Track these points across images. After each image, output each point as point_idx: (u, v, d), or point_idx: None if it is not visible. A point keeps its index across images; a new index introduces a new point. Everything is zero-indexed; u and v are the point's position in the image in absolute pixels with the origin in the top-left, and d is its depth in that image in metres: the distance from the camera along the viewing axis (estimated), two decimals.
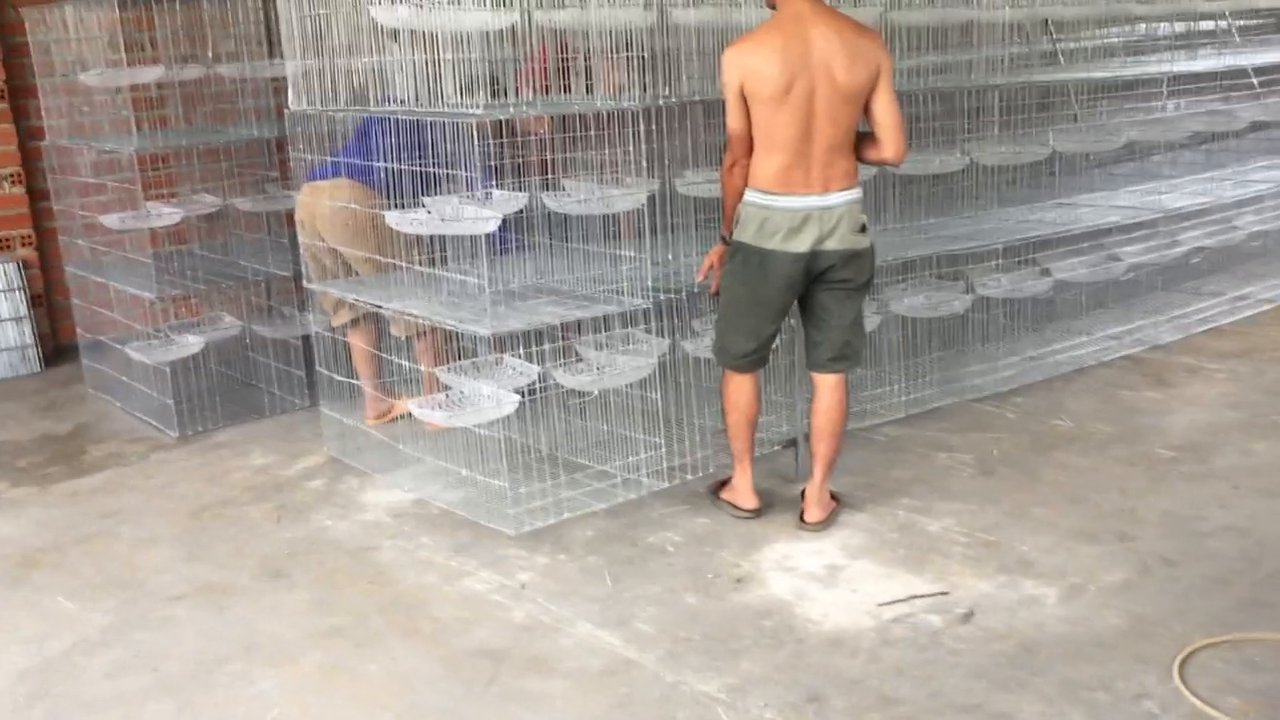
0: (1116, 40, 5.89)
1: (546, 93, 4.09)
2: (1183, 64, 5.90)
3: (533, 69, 4.02)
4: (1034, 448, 4.54)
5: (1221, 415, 4.83)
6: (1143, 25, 6.02)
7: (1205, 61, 6.09)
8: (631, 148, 3.85)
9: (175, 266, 5.36)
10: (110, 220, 5.07)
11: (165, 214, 5.11)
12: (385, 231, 4.03)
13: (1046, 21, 5.46)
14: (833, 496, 3.99)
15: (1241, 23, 6.72)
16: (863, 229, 3.71)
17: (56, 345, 6.38)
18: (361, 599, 3.55)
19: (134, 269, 5.22)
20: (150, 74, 5.07)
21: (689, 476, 4.27)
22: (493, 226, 3.59)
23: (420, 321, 3.99)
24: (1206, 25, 6.59)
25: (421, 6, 3.49)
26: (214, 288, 5.34)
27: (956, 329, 5.17)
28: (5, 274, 6.06)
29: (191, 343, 5.12)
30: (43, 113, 5.62)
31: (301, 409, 5.19)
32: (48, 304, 6.37)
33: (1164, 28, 6.05)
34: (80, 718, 2.98)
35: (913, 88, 4.68)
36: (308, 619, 3.44)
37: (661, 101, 4.01)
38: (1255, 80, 6.69)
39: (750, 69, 3.51)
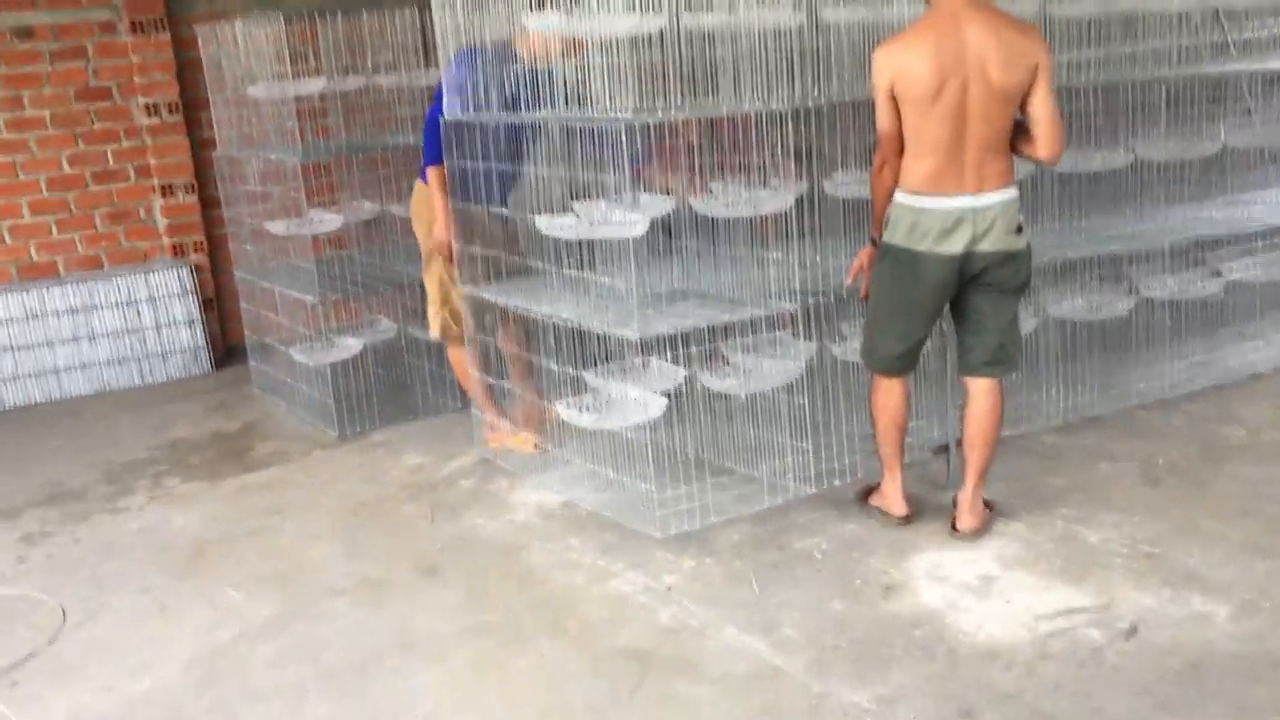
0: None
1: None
2: None
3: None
4: (1203, 457, 4.34)
5: None
6: None
7: None
8: (779, 149, 3.81)
9: (336, 271, 5.55)
10: (276, 227, 5.28)
11: (327, 220, 5.30)
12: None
13: (1218, 11, 5.20)
14: (986, 505, 3.88)
15: None
16: (1019, 229, 3.60)
17: (226, 347, 6.68)
18: (511, 597, 3.61)
19: (297, 274, 5.42)
20: (314, 86, 5.26)
21: (837, 482, 4.21)
22: (641, 230, 3.61)
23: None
24: None
25: (572, 13, 3.53)
26: (372, 292, 5.50)
27: (1119, 332, 4.96)
28: (179, 278, 6.37)
29: (351, 345, 5.29)
30: (214, 124, 5.87)
31: (454, 410, 5.30)
32: (218, 307, 6.67)
33: None
34: (246, 705, 3.11)
35: (1074, 82, 4.52)
36: (460, 616, 3.51)
37: (811, 102, 3.96)
38: None
39: (901, 69, 3.44)
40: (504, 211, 4.16)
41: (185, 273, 6.39)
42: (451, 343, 4.71)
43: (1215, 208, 5.25)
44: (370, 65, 5.57)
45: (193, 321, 6.41)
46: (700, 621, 3.38)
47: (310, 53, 5.49)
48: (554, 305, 3.88)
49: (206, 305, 6.54)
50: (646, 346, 3.78)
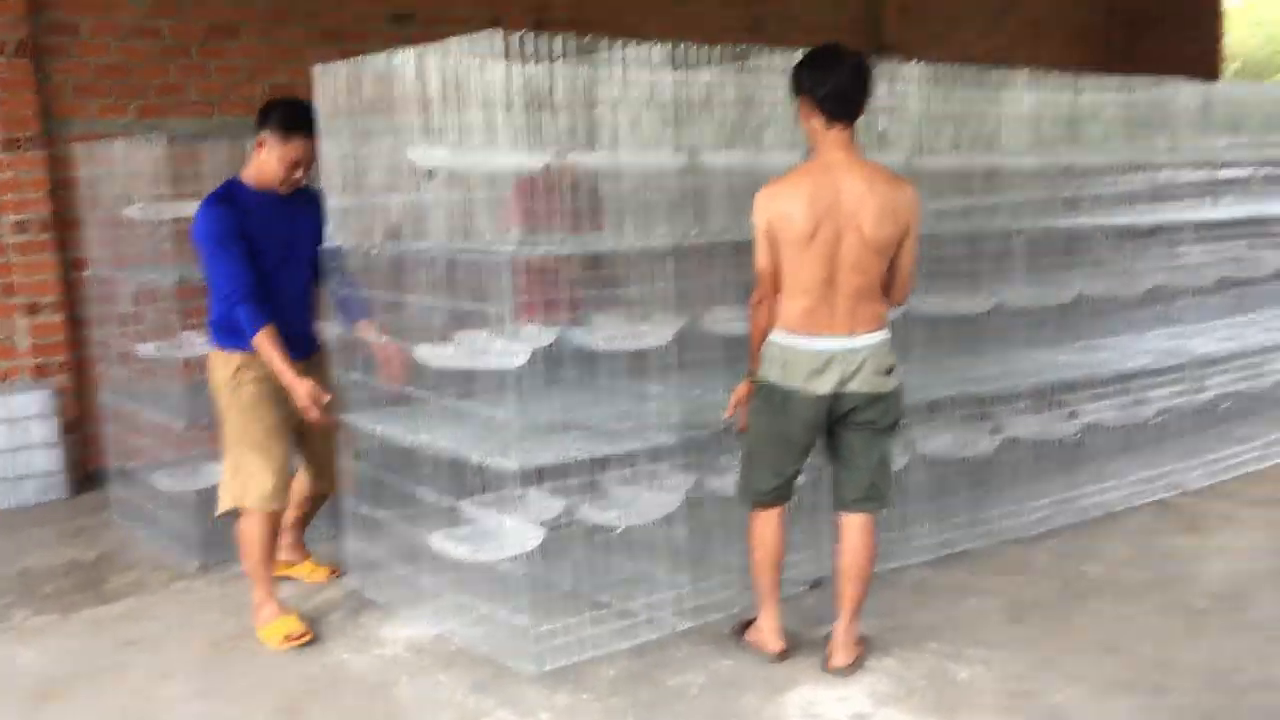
0: (1141, 187, 5.96)
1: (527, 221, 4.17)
2: (1207, 211, 5.96)
3: (521, 195, 4.11)
4: (1065, 594, 4.46)
5: (1256, 563, 4.73)
6: (1164, 173, 6.10)
7: (1229, 209, 6.16)
8: (660, 285, 3.89)
9: (205, 396, 5.41)
10: (146, 349, 5.16)
11: (200, 344, 5.19)
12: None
13: (1067, 168, 5.54)
14: (860, 640, 3.91)
15: (1265, 171, 6.79)
16: (889, 371, 3.72)
17: (86, 472, 6.42)
18: None
19: (166, 397, 5.28)
20: (192, 207, 5.18)
21: (714, 617, 4.20)
22: (522, 360, 3.62)
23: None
24: (1228, 173, 6.67)
25: (458, 148, 3.59)
26: None
27: (985, 470, 5.12)
28: (40, 400, 6.13)
29: (217, 471, 5.12)
30: (86, 244, 5.75)
31: (324, 540, 5.16)
32: (80, 431, 6.43)
33: (1188, 175, 6.13)
34: None
35: (940, 230, 4.73)
36: None
37: (690, 240, 4.07)
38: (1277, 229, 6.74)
39: (778, 211, 3.57)
40: (385, 339, 4.12)
41: (47, 395, 6.16)
42: (250, 513, 4.19)
43: (1072, 352, 5.51)
44: None
45: (52, 445, 6.16)
46: None
47: (192, 174, 5.46)
48: (432, 434, 3.84)
49: (68, 428, 6.30)
50: (526, 477, 3.76)
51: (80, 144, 5.76)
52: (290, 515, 4.59)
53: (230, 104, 6.90)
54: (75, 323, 6.39)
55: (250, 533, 4.19)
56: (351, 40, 7.15)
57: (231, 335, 4.14)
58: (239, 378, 4.15)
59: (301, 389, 4.03)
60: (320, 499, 4.69)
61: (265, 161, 4.12)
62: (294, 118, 4.04)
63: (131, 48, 6.55)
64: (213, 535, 5.05)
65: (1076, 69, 5.28)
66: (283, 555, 4.66)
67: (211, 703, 3.75)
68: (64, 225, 6.34)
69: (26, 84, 6.16)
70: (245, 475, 4.16)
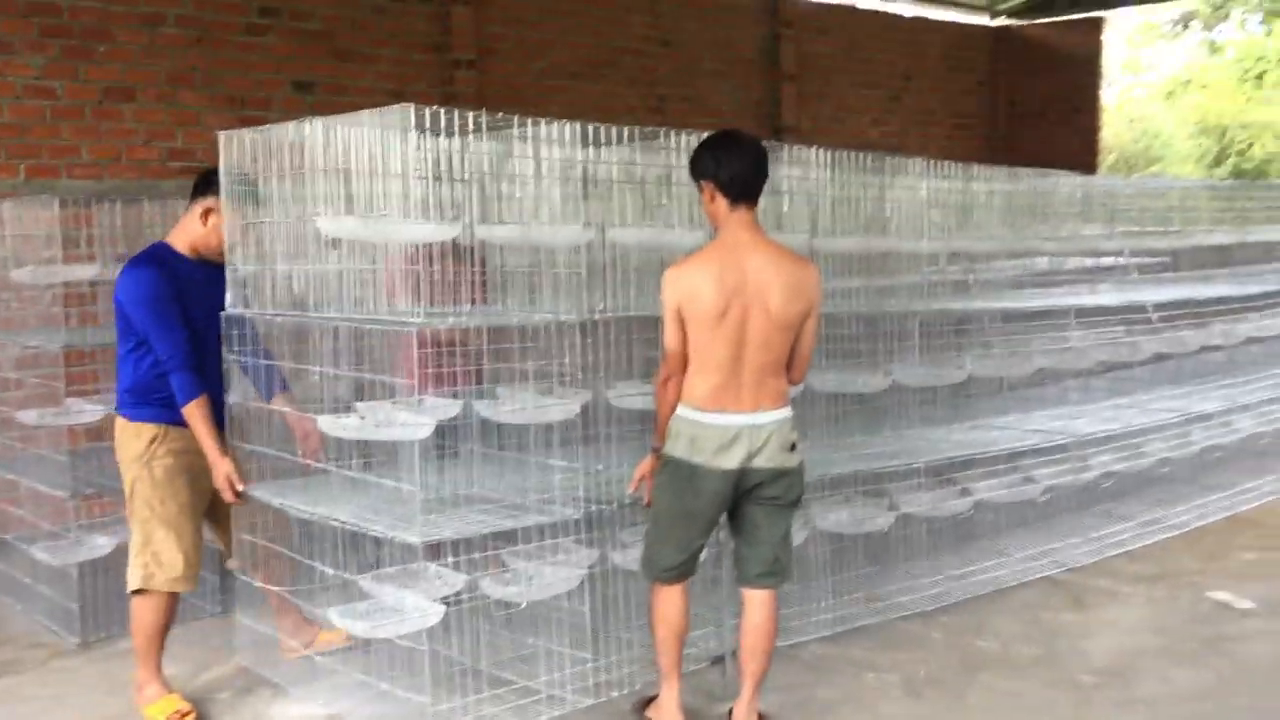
0: (1027, 273, 6.21)
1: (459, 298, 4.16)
2: (1087, 297, 6.22)
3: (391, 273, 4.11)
4: (960, 668, 4.53)
5: (1140, 640, 4.87)
6: (1047, 260, 6.36)
7: (1108, 296, 6.43)
8: (567, 359, 3.91)
9: (92, 464, 5.24)
10: (28, 416, 4.98)
11: (87, 410, 5.03)
12: None
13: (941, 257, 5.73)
14: (761, 716, 3.91)
15: (1138, 260, 7.12)
16: (793, 447, 3.78)
17: None
18: None
19: (47, 465, 5.09)
20: (86, 271, 5.07)
21: (615, 694, 4.17)
22: (426, 432, 3.59)
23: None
24: (1107, 261, 6.98)
25: (367, 218, 3.58)
26: None
27: (880, 546, 5.20)
28: None
29: (101, 544, 4.95)
30: None
31: (212, 615, 5.01)
32: None
33: (1070, 262, 6.40)
34: None
35: (839, 310, 4.85)
36: None
37: (597, 315, 4.10)
38: (1153, 315, 7.05)
39: (687, 291, 3.63)
40: (283, 409, 4.05)
41: None
42: (152, 593, 4.06)
43: (963, 431, 5.66)
44: None
45: None
46: None
47: (84, 237, 5.33)
48: (332, 506, 3.76)
49: None
50: (428, 551, 3.70)
51: None
52: (274, 600, 4.34)
53: (123, 167, 6.78)
54: None
55: (145, 613, 4.05)
56: (253, 106, 7.13)
57: (146, 406, 4.01)
58: (152, 451, 4.01)
59: (222, 469, 3.94)
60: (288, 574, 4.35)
61: (211, 229, 4.03)
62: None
63: (23, 107, 6.41)
64: (94, 610, 4.86)
65: (963, 157, 5.51)
66: (294, 637, 4.40)
67: None
68: None
69: None
70: (154, 554, 4.02)
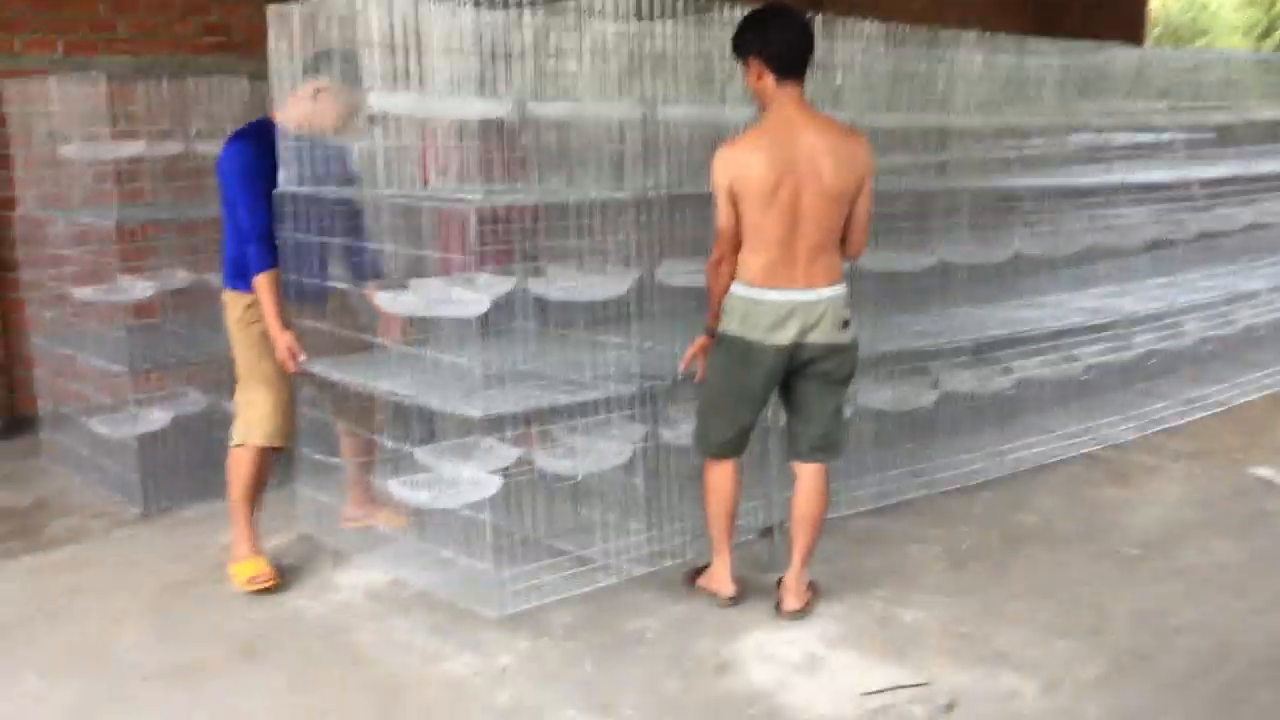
0: (1077, 149, 6.11)
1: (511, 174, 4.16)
2: (1138, 174, 6.14)
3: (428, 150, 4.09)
4: (1002, 542, 4.61)
5: (1182, 514, 4.94)
6: (1096, 135, 6.25)
7: (1156, 172, 6.34)
8: (620, 236, 3.92)
9: (144, 340, 5.32)
10: (83, 292, 5.04)
11: (139, 287, 5.10)
12: None
13: (1005, 129, 5.65)
14: (810, 586, 4.02)
15: (1186, 136, 6.99)
16: (845, 324, 3.80)
17: (13, 417, 6.27)
18: (340, 681, 3.51)
19: (104, 342, 5.17)
20: (132, 148, 5.09)
21: (667, 563, 4.28)
22: (484, 308, 3.62)
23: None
24: (1154, 138, 6.85)
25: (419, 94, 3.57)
26: (183, 363, 5.28)
27: (925, 423, 5.25)
28: None
29: (158, 417, 5.07)
30: (15, 184, 5.58)
31: (270, 487, 5.11)
32: (8, 375, 6.27)
33: (1119, 138, 6.28)
34: None
35: (887, 188, 4.81)
36: (286, 700, 3.39)
37: (656, 193, 4.09)
38: (1198, 191, 6.95)
39: (740, 170, 3.62)
40: (343, 286, 4.08)
41: None
42: (247, 446, 4.21)
43: (1007, 309, 5.65)
44: (192, 131, 5.45)
45: None
46: (537, 703, 3.36)
47: (125, 114, 5.33)
48: (392, 381, 3.83)
49: None
50: (485, 425, 3.77)
51: (10, 80, 5.56)
52: (350, 474, 4.52)
53: (160, 43, 6.70)
54: (1, 264, 6.21)
55: (239, 465, 4.21)
56: None
57: (244, 278, 4.09)
58: (249, 315, 4.12)
59: (282, 341, 4.01)
60: (370, 449, 4.46)
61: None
62: (357, 69, 3.90)
63: None
64: (154, 482, 5.00)
65: (1003, 30, 5.36)
66: (357, 509, 4.58)
67: (168, 646, 3.73)
68: None
69: None
70: (250, 410, 4.17)
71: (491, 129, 3.99)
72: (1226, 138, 7.31)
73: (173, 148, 5.42)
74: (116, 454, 5.07)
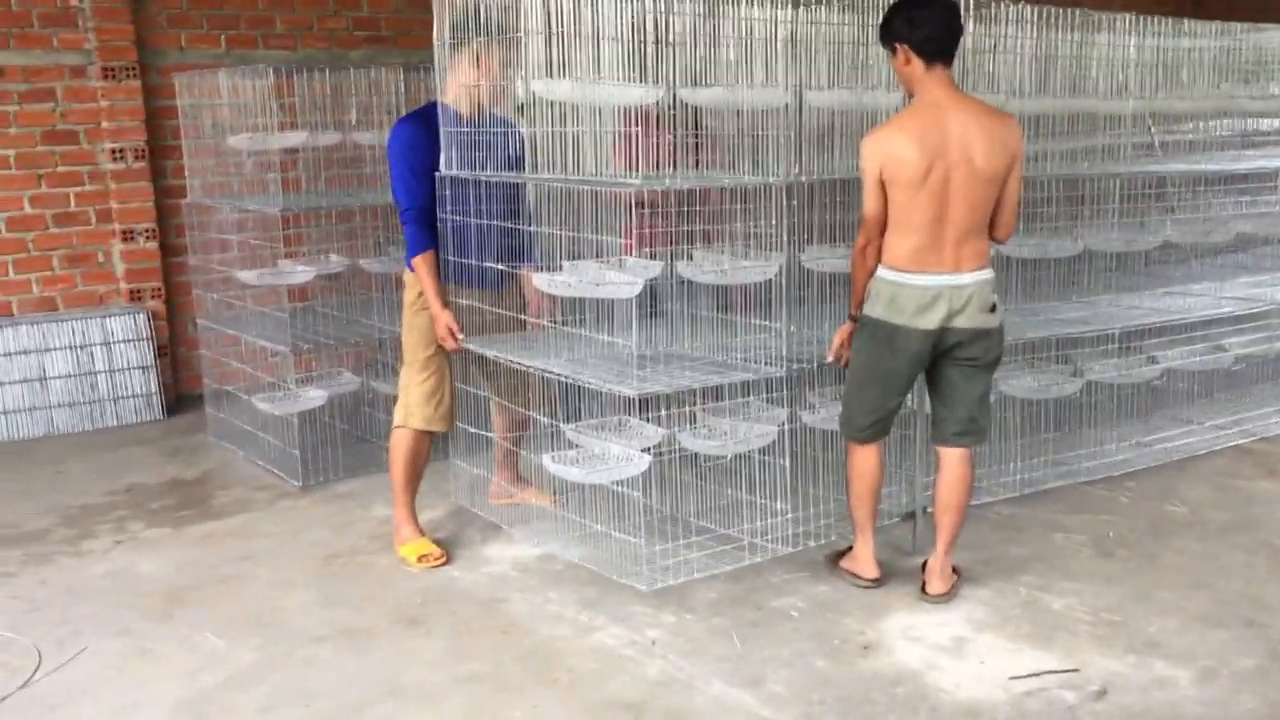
0: (1231, 133, 5.96)
1: (658, 163, 4.24)
2: None
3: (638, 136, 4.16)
4: (1150, 532, 4.55)
5: None
6: (1252, 121, 6.08)
7: None
8: (772, 221, 3.98)
9: (301, 322, 5.58)
10: (248, 276, 5.30)
11: (300, 272, 5.34)
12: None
13: (1148, 117, 5.55)
14: (954, 570, 4.03)
15: None
16: (993, 309, 3.80)
17: (178, 394, 6.62)
18: (497, 648, 3.65)
19: (267, 323, 5.44)
20: (294, 139, 5.33)
21: (811, 544, 4.34)
22: (637, 290, 3.72)
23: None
24: None
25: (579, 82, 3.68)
26: (342, 344, 5.51)
27: (1068, 411, 5.20)
28: (135, 324, 6.32)
29: (315, 396, 5.31)
30: (185, 172, 5.89)
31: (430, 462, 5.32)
32: (172, 355, 6.62)
33: (1275, 123, 6.10)
34: None
35: (1034, 173, 4.78)
36: (447, 665, 3.54)
37: (803, 179, 4.14)
38: None
39: (890, 155, 3.65)
40: (501, 268, 4.22)
41: (141, 319, 6.35)
42: (407, 429, 4.36)
43: (1155, 297, 5.55)
44: (349, 121, 5.68)
45: (147, 368, 6.35)
46: (687, 675, 3.45)
47: (285, 106, 5.57)
48: (547, 360, 3.96)
49: (160, 352, 6.49)
50: (636, 405, 3.88)
51: (180, 74, 5.86)
52: (498, 452, 4.70)
53: (315, 37, 6.99)
54: (167, 249, 6.55)
55: (398, 447, 4.37)
56: None
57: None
58: (421, 301, 4.27)
59: (441, 319, 4.17)
60: (521, 427, 4.64)
61: (483, 71, 4.04)
62: (505, 25, 3.93)
63: None
64: (312, 457, 5.24)
65: (1155, 10, 5.26)
66: (507, 486, 4.76)
67: (335, 610, 3.93)
68: (158, 154, 6.48)
69: (123, 14, 6.27)
70: (410, 394, 4.33)
71: (656, 115, 4.09)
72: None
73: (330, 138, 5.65)
74: (277, 430, 5.33)
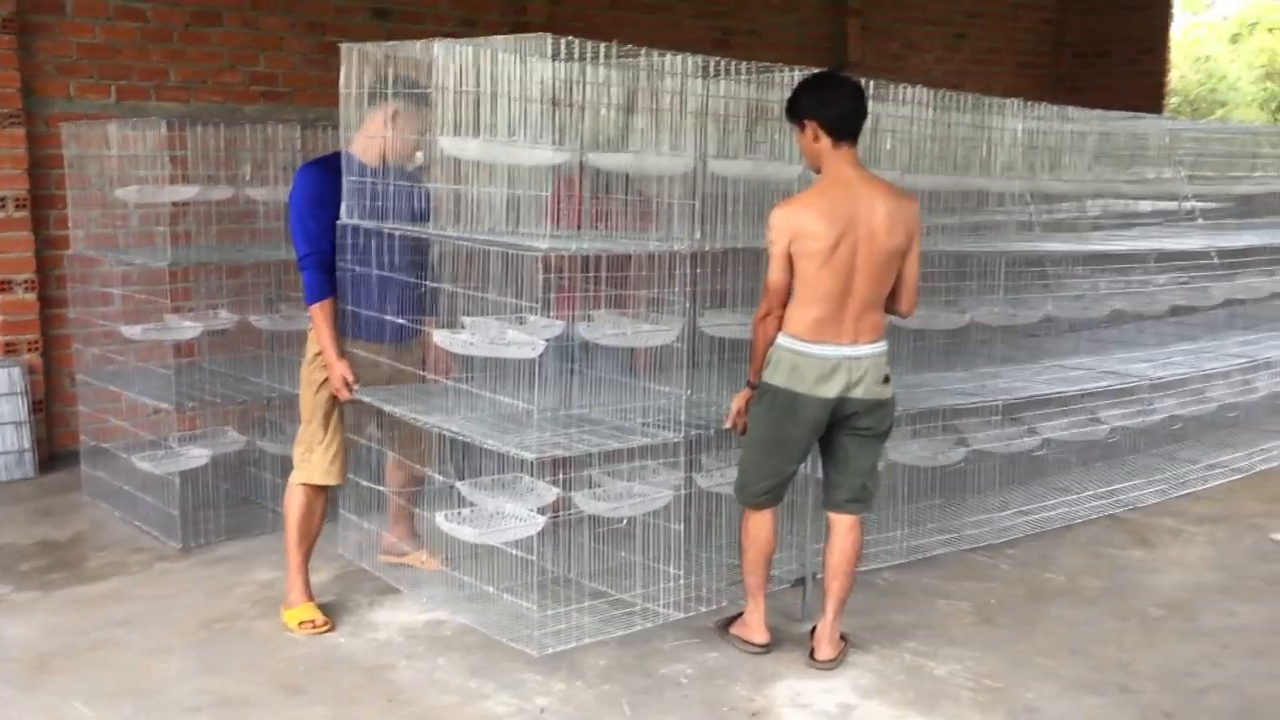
0: (1107, 215, 6.24)
1: (578, 225, 4.29)
2: (1167, 241, 6.25)
3: (559, 200, 4.20)
4: (1029, 599, 4.67)
5: (1204, 576, 4.99)
6: (1124, 202, 6.38)
7: (1185, 240, 6.45)
8: (675, 287, 4.02)
9: (186, 379, 5.44)
10: (132, 331, 5.16)
11: (187, 327, 5.22)
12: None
13: (1029, 194, 5.78)
14: (842, 637, 4.07)
15: (1210, 205, 7.11)
16: (886, 380, 3.90)
17: (52, 451, 6.37)
18: (381, 717, 3.56)
19: (149, 379, 5.29)
20: (187, 192, 5.23)
21: (702, 609, 4.34)
22: (540, 350, 3.72)
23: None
24: (1174, 205, 6.97)
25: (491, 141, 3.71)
26: (230, 401, 5.38)
27: (953, 479, 5.33)
28: (10, 377, 6.08)
29: (198, 455, 5.16)
30: (69, 223, 5.73)
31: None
32: (47, 410, 6.39)
33: (1146, 205, 6.41)
34: None
35: (926, 248, 4.92)
36: None
37: (707, 246, 4.20)
38: (1215, 259, 7.05)
39: (800, 228, 3.74)
40: (402, 321, 4.18)
41: (17, 372, 6.12)
42: (302, 485, 4.30)
43: (1035, 370, 5.74)
44: (243, 176, 5.60)
45: (20, 423, 6.11)
46: None
47: (176, 159, 5.47)
48: (445, 417, 3.92)
49: (35, 407, 6.25)
50: (534, 465, 3.86)
51: (67, 123, 5.73)
52: (393, 508, 4.60)
53: (209, 90, 6.89)
54: (46, 301, 6.35)
55: (292, 506, 4.28)
56: (332, 32, 7.19)
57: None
58: (321, 358, 4.20)
59: (337, 369, 4.11)
60: (416, 483, 4.57)
61: (397, 132, 4.07)
62: (426, 95, 3.94)
63: (115, 29, 6.52)
64: (193, 518, 5.08)
65: (1025, 97, 5.51)
66: (397, 543, 4.66)
67: (212, 679, 3.80)
68: (41, 203, 6.30)
69: (10, 61, 6.11)
70: (310, 450, 4.24)
71: (569, 178, 4.14)
72: (1249, 208, 7.44)
73: (223, 193, 5.57)
74: (157, 490, 5.16)
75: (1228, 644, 4.27)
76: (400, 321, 4.16)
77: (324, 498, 4.32)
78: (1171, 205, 6.75)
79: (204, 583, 4.66)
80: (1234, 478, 6.37)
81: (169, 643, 4.08)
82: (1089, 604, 4.63)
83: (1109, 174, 5.97)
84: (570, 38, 3.73)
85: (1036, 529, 5.43)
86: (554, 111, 3.71)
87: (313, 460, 4.24)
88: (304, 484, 4.26)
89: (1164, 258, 6.27)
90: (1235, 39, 21.50)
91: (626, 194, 4.25)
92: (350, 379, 4.11)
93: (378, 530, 4.58)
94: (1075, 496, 5.79)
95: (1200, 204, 6.78)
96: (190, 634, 4.16)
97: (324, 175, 4.12)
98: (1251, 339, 6.97)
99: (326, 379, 4.19)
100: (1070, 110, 5.49)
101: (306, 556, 4.31)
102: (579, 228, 4.27)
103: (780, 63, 4.40)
